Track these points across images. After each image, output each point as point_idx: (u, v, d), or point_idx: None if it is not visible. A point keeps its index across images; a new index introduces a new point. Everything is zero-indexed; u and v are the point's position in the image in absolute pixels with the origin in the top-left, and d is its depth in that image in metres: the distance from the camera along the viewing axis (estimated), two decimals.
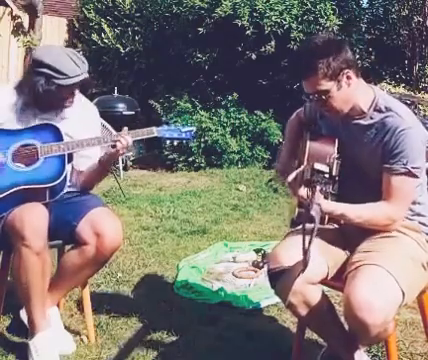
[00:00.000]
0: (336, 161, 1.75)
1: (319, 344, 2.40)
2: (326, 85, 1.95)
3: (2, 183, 2.26)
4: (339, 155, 1.98)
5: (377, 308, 1.74)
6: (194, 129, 2.57)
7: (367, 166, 2.03)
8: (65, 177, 2.33)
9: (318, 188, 1.69)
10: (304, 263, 1.68)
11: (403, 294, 1.82)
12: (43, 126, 2.37)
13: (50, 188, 2.30)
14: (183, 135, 2.51)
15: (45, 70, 2.30)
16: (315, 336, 2.40)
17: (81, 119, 2.48)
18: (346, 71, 1.96)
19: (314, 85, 1.96)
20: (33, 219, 2.19)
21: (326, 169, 1.71)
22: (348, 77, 1.97)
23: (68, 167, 2.38)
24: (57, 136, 2.34)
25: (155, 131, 2.45)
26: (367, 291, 1.76)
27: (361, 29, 8.39)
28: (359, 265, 1.88)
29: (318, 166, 1.71)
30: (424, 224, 2.07)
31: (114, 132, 5.19)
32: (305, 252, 1.65)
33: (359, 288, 1.78)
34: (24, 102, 2.40)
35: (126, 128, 2.45)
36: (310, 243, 1.64)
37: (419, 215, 2.06)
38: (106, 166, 2.50)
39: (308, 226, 1.64)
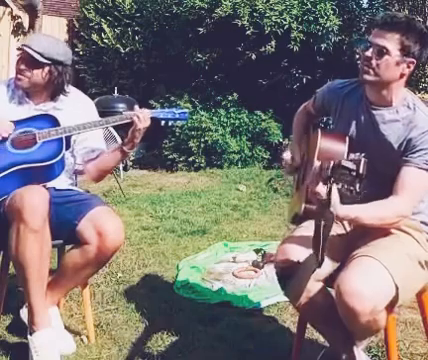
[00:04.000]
0: (364, 159, 1.74)
1: (319, 344, 2.40)
2: (393, 48, 1.94)
3: (1, 164, 2.30)
4: (365, 154, 1.97)
5: (366, 296, 1.76)
6: (187, 111, 2.62)
7: (382, 160, 2.00)
8: (62, 158, 2.37)
9: (339, 186, 1.67)
10: (320, 262, 1.68)
11: (397, 288, 1.83)
12: (40, 116, 2.44)
13: (47, 167, 2.33)
14: (177, 116, 2.55)
15: None
16: (315, 336, 2.40)
17: (76, 110, 2.52)
18: (412, 60, 1.96)
19: (385, 37, 1.94)
20: (33, 198, 2.19)
21: (353, 167, 1.70)
22: (409, 66, 1.97)
23: (66, 153, 2.42)
24: (54, 124, 2.40)
25: (150, 113, 2.49)
26: (357, 279, 1.78)
27: (361, 29, 8.39)
28: (353, 256, 1.90)
29: (345, 163, 1.69)
30: (425, 223, 2.07)
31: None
32: (322, 249, 1.65)
33: (349, 277, 1.80)
34: (20, 94, 2.49)
35: (137, 106, 2.50)
36: (326, 240, 1.64)
37: (421, 214, 2.06)
38: (129, 147, 2.51)
39: (325, 224, 1.64)
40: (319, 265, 1.72)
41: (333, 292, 2.37)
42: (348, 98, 2.13)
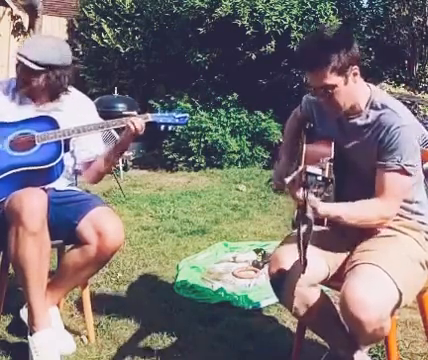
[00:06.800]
0: (329, 163, 1.74)
1: (319, 344, 2.40)
2: (334, 79, 1.94)
3: (0, 166, 2.30)
4: (334, 156, 1.97)
5: (371, 305, 1.75)
6: (188, 116, 2.61)
7: (364, 165, 2.03)
8: (62, 161, 2.38)
9: (313, 191, 1.68)
10: (303, 266, 1.68)
11: (400, 293, 1.83)
12: (40, 117, 2.43)
13: (47, 170, 2.33)
14: (177, 120, 2.55)
15: None
16: (315, 336, 2.40)
17: (77, 112, 2.52)
18: (354, 67, 1.96)
19: (322, 78, 1.94)
20: (32, 201, 2.19)
21: (319, 172, 1.71)
22: (355, 74, 1.97)
23: (65, 155, 2.42)
24: (53, 126, 2.39)
25: (150, 117, 2.50)
26: (361, 289, 1.78)
27: (361, 29, 8.39)
28: (356, 264, 1.89)
29: (310, 169, 1.71)
30: (423, 222, 2.07)
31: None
32: (303, 255, 1.66)
33: (353, 286, 1.80)
34: (21, 95, 2.48)
35: (135, 112, 2.53)
36: (306, 246, 1.64)
37: (417, 214, 2.07)
38: (121, 150, 2.55)
39: (304, 229, 1.64)
40: (303, 271, 1.72)
41: (332, 292, 2.37)
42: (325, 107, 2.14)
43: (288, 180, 1.89)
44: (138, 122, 2.43)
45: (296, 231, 1.74)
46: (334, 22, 6.88)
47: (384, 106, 1.99)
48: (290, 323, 2.72)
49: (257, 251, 3.63)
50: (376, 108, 2.00)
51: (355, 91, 1.99)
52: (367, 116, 2.02)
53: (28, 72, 2.40)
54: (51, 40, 2.54)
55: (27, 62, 2.37)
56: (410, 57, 8.33)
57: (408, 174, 1.95)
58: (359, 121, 2.03)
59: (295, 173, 1.87)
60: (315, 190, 1.68)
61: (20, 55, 2.39)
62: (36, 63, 2.38)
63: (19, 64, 2.42)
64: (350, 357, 2.03)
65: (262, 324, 2.75)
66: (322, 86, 1.96)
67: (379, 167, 1.97)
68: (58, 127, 2.38)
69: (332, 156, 1.97)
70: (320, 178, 1.69)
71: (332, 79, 1.93)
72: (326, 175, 1.70)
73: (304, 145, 2.03)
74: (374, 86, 2.10)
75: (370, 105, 2.02)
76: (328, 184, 1.70)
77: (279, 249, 2.09)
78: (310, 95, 2.17)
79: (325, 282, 2.05)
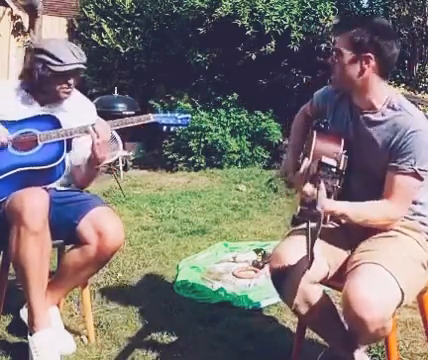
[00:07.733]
0: (344, 156, 1.73)
1: (319, 344, 2.40)
2: (343, 47, 1.95)
3: (1, 166, 2.30)
4: (346, 151, 1.97)
5: (374, 305, 1.75)
6: (190, 117, 2.63)
7: (372, 164, 2.01)
8: (63, 161, 2.37)
9: (323, 182, 1.68)
10: (310, 261, 1.67)
11: (402, 293, 1.83)
12: (42, 116, 2.42)
13: (48, 170, 2.33)
14: (179, 121, 2.57)
15: (43, 56, 2.38)
16: (315, 336, 2.40)
17: (79, 112, 2.52)
18: (369, 55, 1.94)
19: (338, 40, 1.99)
20: (33, 200, 2.19)
21: (333, 163, 1.70)
22: (367, 61, 1.94)
23: (67, 155, 2.41)
24: (55, 125, 2.38)
25: (152, 117, 2.49)
26: (364, 288, 1.77)
27: None
28: (358, 264, 1.89)
29: (326, 160, 1.70)
30: (424, 224, 2.06)
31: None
32: (310, 249, 1.65)
33: (356, 286, 1.79)
34: (24, 95, 2.47)
35: (97, 117, 2.46)
36: (314, 242, 1.64)
37: (419, 215, 2.06)
38: (95, 163, 2.43)
39: (312, 223, 1.64)
40: (309, 266, 1.72)
41: (333, 292, 2.37)
42: (340, 103, 2.14)
43: (301, 170, 1.88)
44: (102, 126, 2.35)
45: (300, 228, 1.74)
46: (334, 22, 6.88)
47: (401, 108, 1.98)
48: (290, 323, 2.72)
49: (257, 251, 3.63)
50: (393, 108, 1.99)
51: (360, 80, 1.97)
52: (383, 114, 2.00)
53: (80, 75, 2.45)
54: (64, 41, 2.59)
55: (82, 66, 2.43)
56: (410, 57, 8.31)
57: (420, 178, 1.94)
58: (373, 117, 2.02)
59: (305, 165, 1.86)
60: (328, 182, 1.67)
61: (79, 63, 2.41)
62: (85, 64, 2.44)
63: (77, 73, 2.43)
64: (350, 356, 2.03)
65: (262, 324, 2.75)
66: (334, 49, 1.99)
67: (390, 169, 1.96)
68: (60, 126, 2.37)
69: (343, 151, 1.97)
70: (334, 170, 1.68)
71: (343, 47, 1.95)
72: (341, 167, 1.69)
73: (314, 140, 2.02)
74: (394, 89, 2.10)
75: (387, 105, 2.00)
76: (342, 177, 1.69)
77: (281, 245, 2.08)
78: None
79: (325, 281, 2.05)
